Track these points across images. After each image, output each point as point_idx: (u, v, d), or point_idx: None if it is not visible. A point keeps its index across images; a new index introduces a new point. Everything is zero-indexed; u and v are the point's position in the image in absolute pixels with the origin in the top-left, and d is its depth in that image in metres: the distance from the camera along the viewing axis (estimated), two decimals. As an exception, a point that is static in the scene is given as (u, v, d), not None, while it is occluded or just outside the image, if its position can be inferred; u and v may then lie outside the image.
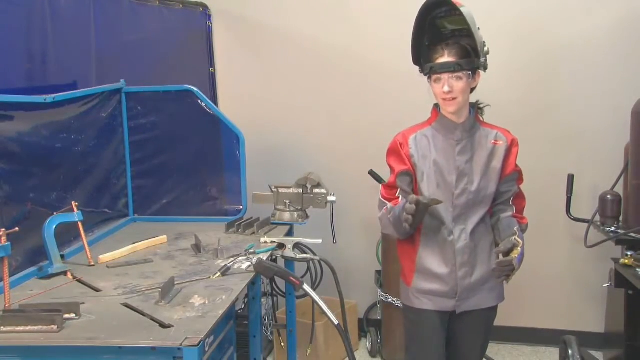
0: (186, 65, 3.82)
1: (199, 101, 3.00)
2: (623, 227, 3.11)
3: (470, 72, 2.17)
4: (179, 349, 1.66)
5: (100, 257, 2.43)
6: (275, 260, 2.60)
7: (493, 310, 2.39)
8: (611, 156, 3.50)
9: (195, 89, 3.00)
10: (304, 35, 3.89)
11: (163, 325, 1.79)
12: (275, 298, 3.62)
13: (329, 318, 2.17)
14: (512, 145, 2.30)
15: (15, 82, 2.43)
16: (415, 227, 2.16)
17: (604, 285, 3.27)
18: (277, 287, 3.58)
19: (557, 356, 3.15)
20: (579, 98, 3.60)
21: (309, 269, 3.57)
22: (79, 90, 2.70)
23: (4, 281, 1.92)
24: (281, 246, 2.54)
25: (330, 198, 2.78)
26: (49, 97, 2.40)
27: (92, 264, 2.39)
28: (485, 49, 2.21)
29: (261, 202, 2.89)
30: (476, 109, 2.31)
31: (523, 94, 3.66)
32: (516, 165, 2.30)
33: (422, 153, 2.27)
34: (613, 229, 3.13)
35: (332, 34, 3.84)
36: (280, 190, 2.83)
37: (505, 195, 2.31)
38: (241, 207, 3.06)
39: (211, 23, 4.03)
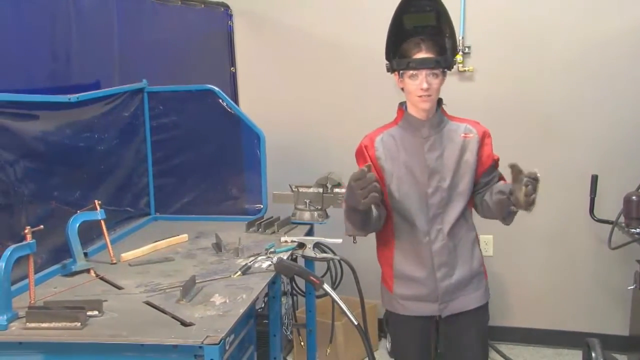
0: (207, 64, 3.83)
1: (220, 100, 3.01)
2: (648, 229, 3.06)
3: (445, 70, 2.14)
4: (200, 347, 1.66)
5: (122, 255, 2.45)
6: (295, 260, 2.60)
7: (482, 309, 2.29)
8: (636, 157, 3.45)
9: (216, 88, 3.01)
10: (324, 35, 3.89)
11: (184, 324, 1.80)
12: (295, 297, 3.62)
13: (349, 318, 2.17)
14: (484, 137, 2.23)
15: (39, 82, 2.46)
16: (378, 191, 1.93)
17: (629, 288, 3.22)
18: (297, 286, 3.58)
19: (580, 359, 3.11)
20: (603, 98, 3.54)
21: (329, 268, 3.56)
22: (101, 90, 2.72)
23: (29, 278, 1.95)
24: (301, 245, 2.54)
25: (351, 198, 2.77)
26: (73, 97, 2.43)
27: (114, 262, 2.42)
28: (458, 47, 2.18)
29: (281, 202, 2.89)
30: (441, 103, 2.25)
31: (547, 94, 3.62)
32: (493, 155, 2.24)
33: (389, 154, 2.22)
34: (638, 230, 3.07)
35: (353, 33, 3.84)
36: (301, 189, 2.83)
37: (491, 183, 2.24)
38: (261, 206, 3.06)
39: (232, 23, 4.04)
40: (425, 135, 2.20)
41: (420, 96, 2.13)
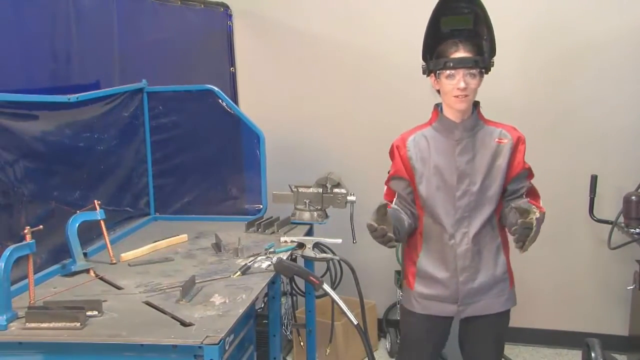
0: (207, 64, 3.84)
1: (220, 101, 3.01)
2: (648, 229, 3.06)
3: (483, 71, 2.13)
4: (199, 347, 1.66)
5: (122, 255, 2.45)
6: (295, 260, 2.60)
7: (503, 315, 2.29)
8: (636, 157, 3.45)
9: (216, 88, 3.01)
10: (324, 35, 3.89)
11: (184, 324, 1.80)
12: (294, 297, 3.62)
13: (349, 318, 2.17)
14: (518, 142, 2.22)
15: (39, 82, 2.46)
16: (393, 240, 2.02)
17: (628, 288, 3.22)
18: (297, 286, 3.58)
19: (580, 359, 3.11)
20: (603, 99, 3.54)
21: (328, 268, 3.56)
22: (101, 90, 2.72)
23: (29, 278, 1.94)
24: (301, 246, 2.54)
25: (350, 198, 2.77)
26: (73, 97, 2.43)
27: (114, 262, 2.42)
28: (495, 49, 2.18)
29: (281, 202, 2.89)
30: (478, 107, 2.24)
31: (547, 94, 3.62)
32: (524, 163, 2.22)
33: (420, 155, 2.22)
34: (638, 230, 3.08)
35: (353, 34, 3.84)
36: (300, 189, 2.83)
37: (518, 192, 2.23)
38: (261, 206, 3.06)
39: (232, 23, 4.04)
40: (457, 137, 2.19)
41: (457, 96, 2.12)
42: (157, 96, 3.07)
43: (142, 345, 1.70)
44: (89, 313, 1.83)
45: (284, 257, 2.38)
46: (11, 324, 1.80)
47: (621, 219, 3.20)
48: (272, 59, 4.02)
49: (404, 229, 2.22)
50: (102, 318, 1.85)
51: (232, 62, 4.06)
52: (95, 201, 2.39)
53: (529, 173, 2.25)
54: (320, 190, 2.81)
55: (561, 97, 3.60)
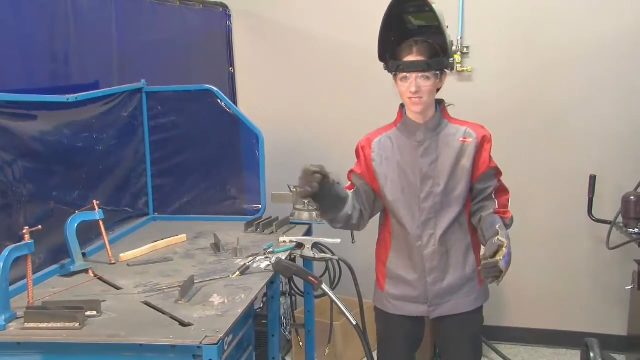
0: (206, 65, 3.83)
1: (219, 101, 3.01)
2: (646, 229, 3.06)
3: (438, 72, 2.10)
4: (198, 347, 1.66)
5: (121, 255, 2.45)
6: (294, 260, 2.60)
7: (474, 313, 2.27)
8: (635, 157, 3.45)
9: (215, 88, 3.01)
10: (323, 35, 3.89)
11: (183, 324, 1.80)
12: (293, 297, 3.62)
13: (348, 318, 2.17)
14: (484, 141, 2.17)
15: (38, 82, 2.46)
16: (308, 193, 2.07)
17: (627, 288, 3.22)
18: (296, 286, 3.58)
19: (579, 359, 3.11)
20: (601, 98, 3.54)
21: (327, 268, 3.56)
22: (100, 90, 2.73)
23: (28, 278, 1.94)
24: (300, 246, 2.54)
25: (349, 198, 2.77)
26: (72, 97, 2.43)
27: (113, 262, 2.42)
28: (453, 48, 2.16)
29: (280, 202, 2.89)
30: (442, 106, 2.22)
31: (545, 95, 3.62)
32: (491, 161, 2.18)
33: (385, 156, 2.21)
34: (636, 230, 3.08)
35: (351, 33, 3.83)
36: (299, 190, 2.83)
37: (485, 192, 2.19)
38: (260, 206, 3.06)
39: (231, 23, 4.04)
40: (419, 139, 2.18)
41: (410, 98, 2.12)
42: (156, 96, 3.07)
43: (141, 345, 1.70)
44: (87, 313, 1.83)
45: (283, 257, 2.38)
46: (10, 324, 1.80)
47: (620, 219, 3.20)
48: (271, 59, 4.02)
49: (340, 210, 2.19)
50: (101, 318, 1.85)
51: (231, 62, 4.06)
52: (94, 201, 2.39)
53: (496, 172, 2.21)
54: (319, 190, 2.80)
55: (560, 97, 3.60)
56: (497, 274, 1.94)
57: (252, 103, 4.00)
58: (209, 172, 3.11)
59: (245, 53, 4.07)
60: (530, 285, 3.80)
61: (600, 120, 3.56)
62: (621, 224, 3.18)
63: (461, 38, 3.60)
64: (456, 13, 3.58)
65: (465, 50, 3.62)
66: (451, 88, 3.63)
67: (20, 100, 2.17)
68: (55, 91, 2.43)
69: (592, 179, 3.37)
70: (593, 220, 3.42)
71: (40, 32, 2.45)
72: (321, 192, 2.09)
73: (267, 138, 3.02)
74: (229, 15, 4.03)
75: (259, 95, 4.04)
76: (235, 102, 3.96)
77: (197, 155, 3.10)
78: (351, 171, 2.32)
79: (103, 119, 2.71)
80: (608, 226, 3.27)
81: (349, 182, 2.33)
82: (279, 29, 3.97)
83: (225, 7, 3.99)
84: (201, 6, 3.75)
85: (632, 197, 3.14)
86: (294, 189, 2.82)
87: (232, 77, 4.06)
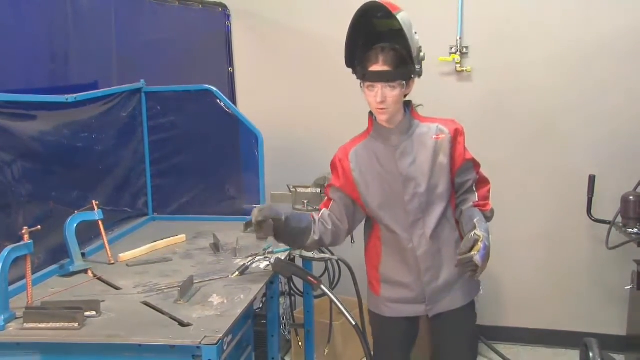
0: (205, 65, 3.83)
1: (218, 101, 3.01)
2: (646, 229, 3.06)
3: (404, 82, 2.08)
4: (198, 347, 1.67)
5: (120, 255, 2.45)
6: (293, 260, 2.60)
7: (467, 308, 2.28)
8: (634, 157, 3.45)
9: (214, 88, 3.01)
10: (323, 36, 3.89)
11: (182, 324, 1.80)
12: (293, 297, 3.62)
13: (347, 318, 2.17)
14: (457, 135, 2.16)
15: (37, 82, 2.46)
16: (264, 237, 2.14)
17: (626, 288, 3.22)
18: (295, 286, 3.58)
19: (578, 359, 3.11)
20: (600, 98, 3.55)
21: (327, 268, 3.56)
22: (99, 90, 2.72)
23: (27, 278, 1.94)
24: (299, 246, 2.54)
25: (349, 198, 2.77)
26: (71, 97, 2.43)
27: (112, 262, 2.42)
28: (421, 54, 2.11)
29: (279, 202, 2.89)
30: (411, 107, 2.20)
31: (545, 94, 3.62)
32: (466, 153, 2.17)
33: (363, 166, 2.20)
34: (635, 230, 3.08)
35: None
36: (299, 189, 2.84)
37: (465, 185, 2.20)
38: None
39: (230, 23, 4.04)
40: (395, 143, 2.16)
41: (376, 108, 2.11)
42: (155, 96, 3.07)
43: (140, 345, 1.70)
44: (87, 313, 1.83)
45: (282, 257, 2.38)
46: (9, 325, 1.81)
47: (619, 219, 3.20)
48: (270, 59, 4.02)
49: (305, 239, 2.23)
50: (100, 318, 1.85)
51: (231, 62, 4.06)
52: (94, 201, 2.39)
53: (473, 164, 2.21)
54: (319, 190, 2.81)
55: (560, 97, 3.60)
56: (474, 268, 1.94)
57: (251, 103, 4.00)
58: (208, 172, 3.11)
59: (244, 53, 4.07)
60: (530, 285, 3.80)
61: (600, 121, 3.56)
62: (620, 224, 3.19)
63: (461, 38, 3.61)
64: (456, 13, 3.59)
65: (464, 50, 3.63)
66: (451, 88, 3.69)
67: (19, 101, 2.17)
68: (55, 91, 2.42)
69: (592, 178, 3.37)
70: (592, 220, 3.42)
71: (39, 32, 2.45)
72: (277, 233, 2.15)
73: (266, 138, 3.02)
74: (229, 15, 4.03)
75: (258, 95, 4.04)
76: (234, 102, 3.96)
77: (197, 155, 3.10)
78: (329, 186, 2.29)
79: (102, 119, 2.71)
80: (607, 226, 3.27)
81: (326, 198, 2.32)
82: (278, 29, 3.97)
83: (224, 7, 3.99)
84: (201, 6, 3.75)
85: (631, 197, 3.14)
86: (293, 189, 2.83)
87: (231, 77, 4.06)
